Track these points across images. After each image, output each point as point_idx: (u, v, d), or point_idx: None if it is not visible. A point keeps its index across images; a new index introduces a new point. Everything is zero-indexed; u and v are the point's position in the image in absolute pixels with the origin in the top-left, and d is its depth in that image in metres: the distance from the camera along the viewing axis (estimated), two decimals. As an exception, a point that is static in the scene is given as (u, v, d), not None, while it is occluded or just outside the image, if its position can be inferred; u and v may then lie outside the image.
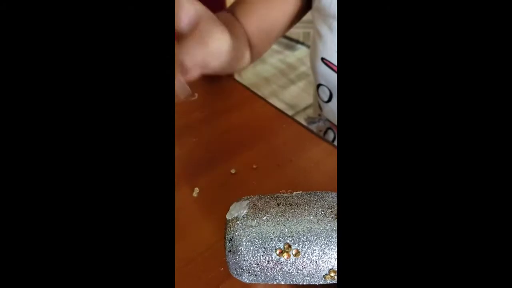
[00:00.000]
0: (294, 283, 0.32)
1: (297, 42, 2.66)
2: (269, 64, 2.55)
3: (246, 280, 0.33)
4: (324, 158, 0.52)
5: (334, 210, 0.32)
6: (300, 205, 0.32)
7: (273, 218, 0.32)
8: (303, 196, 0.34)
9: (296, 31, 2.48)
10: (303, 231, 0.31)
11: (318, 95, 0.68)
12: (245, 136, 0.56)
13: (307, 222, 0.31)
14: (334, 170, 0.51)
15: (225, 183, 0.49)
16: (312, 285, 0.34)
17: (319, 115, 0.81)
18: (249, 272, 0.32)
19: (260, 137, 0.55)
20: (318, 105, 0.73)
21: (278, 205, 0.33)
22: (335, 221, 0.31)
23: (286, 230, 0.31)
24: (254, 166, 0.50)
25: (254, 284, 0.37)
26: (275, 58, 2.58)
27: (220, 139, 0.56)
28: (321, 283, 0.32)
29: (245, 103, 0.64)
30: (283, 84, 2.34)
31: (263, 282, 0.33)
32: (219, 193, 0.47)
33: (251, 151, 0.53)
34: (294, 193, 0.35)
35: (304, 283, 0.32)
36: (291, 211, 0.32)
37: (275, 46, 2.60)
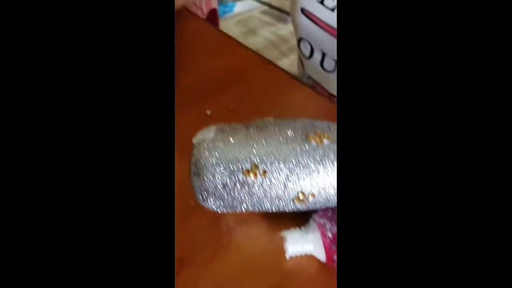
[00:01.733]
0: (263, 209, 0.31)
1: (290, 14, 2.58)
2: (261, 36, 2.48)
3: (213, 206, 0.32)
4: (304, 102, 0.50)
5: (305, 132, 0.30)
6: (270, 128, 0.31)
7: (241, 140, 0.30)
8: (274, 121, 0.32)
9: (289, 3, 2.40)
10: (271, 151, 0.29)
11: (300, 50, 0.65)
12: (222, 79, 0.54)
13: (276, 143, 0.29)
14: (315, 113, 0.49)
15: (200, 124, 0.47)
16: (283, 213, 0.33)
17: (302, 73, 0.79)
18: (215, 196, 0.30)
19: (238, 80, 0.53)
20: (300, 62, 0.70)
21: (248, 128, 0.31)
22: (305, 143, 0.29)
23: (254, 151, 0.29)
24: (231, 108, 0.48)
25: (223, 215, 0.36)
26: (267, 31, 2.51)
27: (196, 81, 0.54)
28: (290, 208, 0.31)
29: (224, 48, 0.61)
30: (275, 57, 2.28)
31: (231, 210, 0.32)
32: (194, 134, 0.46)
33: (228, 93, 0.51)
34: (266, 119, 0.33)
35: (273, 209, 0.31)
36: (260, 133, 0.30)
37: (267, 18, 2.53)
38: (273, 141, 0.29)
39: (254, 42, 2.47)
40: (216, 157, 0.30)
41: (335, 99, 0.57)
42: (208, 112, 0.48)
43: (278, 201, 0.30)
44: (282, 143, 0.29)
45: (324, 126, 0.31)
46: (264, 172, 0.29)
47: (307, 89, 0.52)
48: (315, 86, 0.68)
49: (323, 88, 0.64)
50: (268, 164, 0.29)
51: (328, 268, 0.31)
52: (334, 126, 0.31)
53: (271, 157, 0.29)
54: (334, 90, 0.62)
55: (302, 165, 0.28)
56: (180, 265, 0.32)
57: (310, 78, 0.69)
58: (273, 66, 0.56)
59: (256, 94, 0.51)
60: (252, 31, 2.50)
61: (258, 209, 0.31)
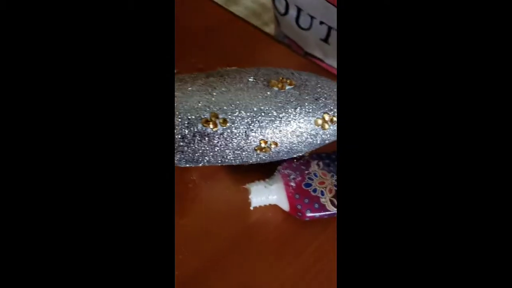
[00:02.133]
0: (226, 161, 0.30)
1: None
2: (242, 5, 2.39)
3: (175, 161, 0.31)
4: (278, 60, 0.48)
5: (268, 78, 0.29)
6: (232, 75, 0.29)
7: (200, 88, 0.29)
8: (237, 69, 0.30)
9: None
10: (231, 99, 0.28)
11: (275, 7, 0.62)
12: (191, 37, 0.51)
13: (236, 90, 0.28)
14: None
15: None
16: (248, 167, 0.33)
17: (277, 31, 0.76)
18: (175, 149, 0.29)
19: (207, 37, 0.51)
20: (276, 20, 0.68)
21: (208, 77, 0.30)
22: (268, 90, 0.28)
23: (213, 99, 0.28)
24: (200, 66, 0.46)
25: (188, 169, 0.35)
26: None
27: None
28: (254, 159, 0.30)
29: (194, 6, 0.58)
30: (257, 26, 2.22)
31: (194, 164, 0.31)
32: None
33: (197, 52, 0.49)
34: (230, 68, 0.31)
35: (237, 161, 0.30)
36: (220, 81, 0.29)
37: (248, -14, 2.43)
38: (233, 88, 0.28)
39: (235, 11, 2.38)
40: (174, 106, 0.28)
41: (311, 58, 0.55)
42: (175, 71, 0.45)
43: (241, 152, 0.29)
44: (242, 89, 0.28)
45: (287, 72, 0.29)
46: (224, 121, 0.28)
47: (281, 46, 0.50)
48: (291, 45, 0.66)
49: (299, 47, 0.62)
50: (229, 113, 0.28)
51: (292, 217, 0.31)
52: (298, 73, 0.30)
53: (231, 105, 0.28)
54: (309, 49, 0.60)
55: (264, 113, 0.27)
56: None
57: (286, 37, 0.67)
58: (246, 24, 0.54)
59: (227, 52, 0.49)
60: (233, 1, 2.41)
61: (221, 161, 0.30)
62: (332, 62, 0.54)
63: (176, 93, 0.28)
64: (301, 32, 0.58)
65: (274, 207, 0.32)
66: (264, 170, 0.34)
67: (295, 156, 0.31)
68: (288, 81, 0.28)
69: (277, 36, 0.68)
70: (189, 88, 0.28)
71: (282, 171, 0.31)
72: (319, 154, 0.33)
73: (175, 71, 0.45)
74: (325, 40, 0.49)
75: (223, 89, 0.28)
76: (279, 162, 0.33)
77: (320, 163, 0.32)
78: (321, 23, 0.47)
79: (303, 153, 0.31)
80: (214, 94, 0.28)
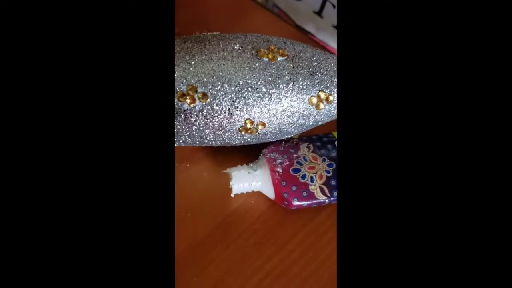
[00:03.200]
0: (206, 142, 0.27)
1: None
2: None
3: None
4: (264, 27, 0.43)
5: (256, 47, 0.24)
6: (213, 41, 0.25)
7: (176, 55, 0.24)
8: (219, 35, 0.26)
9: None
10: (213, 70, 0.24)
11: None
12: None
13: (219, 60, 0.24)
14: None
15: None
16: (230, 148, 0.29)
17: (266, 0, 0.70)
18: (145, 126, 0.25)
19: (187, 1, 0.45)
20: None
21: (185, 42, 0.25)
22: (257, 60, 0.24)
23: (191, 69, 0.24)
24: (177, 30, 0.40)
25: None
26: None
27: None
28: (237, 141, 0.26)
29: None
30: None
31: (168, 144, 0.27)
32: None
33: (175, 15, 0.43)
34: (210, 33, 0.27)
35: (218, 142, 0.26)
36: (200, 47, 0.24)
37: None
38: (216, 57, 0.24)
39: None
40: (143, 75, 0.24)
41: (301, 31, 0.51)
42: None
43: (223, 133, 0.25)
44: (226, 59, 0.24)
45: (279, 41, 0.25)
46: (204, 95, 0.23)
47: (268, 13, 0.45)
48: (281, 16, 0.61)
49: (290, 19, 0.58)
50: (209, 86, 0.23)
51: (277, 205, 0.28)
52: (291, 42, 0.26)
53: (212, 76, 0.23)
54: (301, 22, 0.55)
55: (251, 87, 0.24)
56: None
57: (275, 6, 0.62)
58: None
59: (208, 17, 0.43)
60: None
61: (200, 142, 0.27)
62: (323, 37, 0.50)
63: (146, 60, 0.24)
64: (293, 2, 0.53)
65: (257, 194, 0.29)
66: (247, 153, 0.31)
67: (283, 138, 0.28)
68: (280, 51, 0.24)
69: (266, 4, 0.63)
70: (162, 54, 0.24)
71: (268, 154, 0.28)
72: (309, 136, 0.30)
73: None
74: (319, 13, 0.44)
75: (203, 57, 0.24)
76: (265, 144, 0.29)
77: (311, 145, 0.29)
78: (316, -8, 0.43)
79: (292, 135, 0.28)
80: (192, 63, 0.23)
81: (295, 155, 0.28)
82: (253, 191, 0.28)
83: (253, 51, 0.24)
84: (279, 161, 0.27)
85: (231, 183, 0.27)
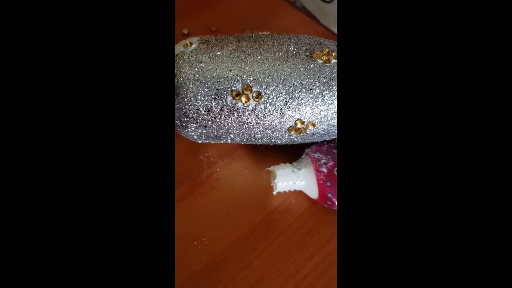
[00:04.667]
0: (252, 140, 0.27)
1: None
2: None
3: (194, 136, 0.27)
4: (297, 27, 0.44)
5: (310, 49, 0.25)
6: (268, 41, 0.25)
7: (231, 53, 0.24)
8: (272, 35, 0.26)
9: None
10: (268, 69, 0.24)
11: None
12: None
13: (275, 60, 0.24)
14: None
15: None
16: (271, 147, 0.30)
17: (293, 2, 0.70)
18: (197, 122, 0.25)
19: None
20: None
21: (239, 41, 0.25)
22: (310, 61, 0.24)
23: (247, 68, 0.24)
24: (213, 29, 0.41)
25: (203, 145, 0.32)
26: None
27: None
28: (284, 140, 0.27)
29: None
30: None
31: (215, 140, 0.28)
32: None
33: (209, 12, 0.43)
34: (261, 32, 0.27)
35: (264, 141, 0.27)
36: (255, 46, 0.25)
37: None
38: (271, 57, 0.24)
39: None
40: (199, 73, 0.24)
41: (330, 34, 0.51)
42: (185, 31, 0.40)
43: (272, 132, 0.26)
44: (282, 59, 0.24)
45: (331, 44, 0.26)
46: (259, 95, 0.24)
47: (300, 13, 0.45)
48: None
49: (317, 21, 0.58)
50: (264, 85, 0.24)
51: (316, 205, 0.29)
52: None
53: (267, 76, 0.24)
54: (330, 25, 0.55)
55: (305, 88, 0.24)
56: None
57: (303, 7, 0.62)
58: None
59: (241, 15, 0.44)
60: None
61: (246, 140, 0.27)
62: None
63: (202, 58, 0.24)
64: (323, 5, 0.53)
65: (298, 193, 0.30)
66: (288, 152, 0.31)
67: (327, 139, 0.28)
68: (333, 54, 0.24)
69: (294, 4, 0.63)
70: (218, 53, 0.24)
71: (312, 154, 0.28)
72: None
73: (185, 32, 0.40)
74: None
75: (258, 57, 0.24)
76: (306, 145, 0.30)
77: (352, 148, 0.29)
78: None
79: (336, 137, 0.28)
80: (248, 62, 0.24)
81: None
82: (294, 190, 0.29)
83: (307, 53, 0.24)
84: (323, 161, 0.28)
85: (275, 181, 0.28)
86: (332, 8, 0.51)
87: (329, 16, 0.54)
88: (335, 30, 0.49)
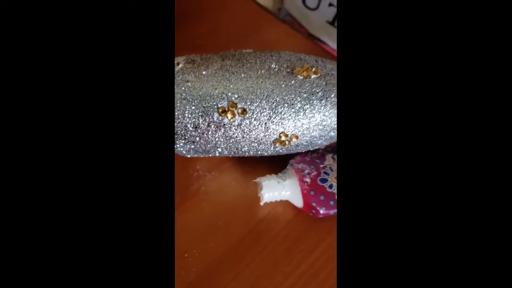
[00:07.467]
0: (239, 153, 0.28)
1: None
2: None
3: (183, 151, 0.28)
4: (281, 40, 0.45)
5: (291, 65, 0.26)
6: (250, 59, 0.26)
7: (216, 72, 0.26)
8: (254, 53, 0.28)
9: None
10: (252, 87, 0.25)
11: None
12: (187, 10, 0.46)
13: (258, 77, 0.25)
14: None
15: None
16: (257, 159, 0.31)
17: (279, 9, 0.72)
18: (185, 139, 0.26)
19: (207, 11, 0.46)
20: (277, -5, 0.63)
21: (223, 59, 0.27)
22: (292, 78, 0.26)
23: (232, 86, 0.25)
24: (198, 43, 0.42)
25: (191, 159, 0.32)
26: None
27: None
28: (270, 152, 0.28)
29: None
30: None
31: (203, 154, 0.29)
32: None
33: (194, 27, 0.44)
34: (244, 50, 0.28)
35: (251, 153, 0.28)
36: (238, 65, 0.26)
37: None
38: (254, 75, 0.25)
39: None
40: (186, 92, 0.25)
41: (315, 40, 0.53)
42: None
43: (258, 145, 0.27)
44: (264, 77, 0.25)
45: (311, 59, 0.27)
46: (244, 111, 0.25)
47: (284, 25, 0.47)
48: (294, 25, 0.63)
49: (303, 27, 0.59)
50: (248, 102, 0.25)
51: (304, 214, 0.30)
52: (322, 61, 0.28)
53: (251, 93, 0.25)
54: (314, 31, 0.57)
55: (287, 103, 0.25)
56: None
57: (288, 14, 0.63)
58: (246, -1, 0.49)
59: (226, 29, 0.45)
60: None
61: (234, 153, 0.28)
62: (336, 46, 0.52)
63: (188, 77, 0.25)
64: (307, 11, 0.55)
65: (284, 202, 0.31)
66: (274, 163, 0.33)
67: (310, 149, 0.30)
68: (313, 69, 0.26)
69: (277, 14, 0.65)
70: (204, 72, 0.25)
71: (296, 165, 0.30)
72: (334, 147, 0.32)
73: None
74: (332, 23, 0.46)
75: (242, 75, 0.25)
76: (292, 155, 0.31)
77: (335, 156, 0.31)
78: (330, 4, 0.45)
79: (320, 147, 0.29)
80: (233, 80, 0.25)
81: (321, 165, 0.30)
82: (281, 200, 0.30)
83: (288, 69, 0.26)
84: (307, 171, 0.29)
85: (262, 192, 0.29)
86: (316, 14, 0.53)
87: (313, 24, 0.56)
88: (319, 36, 0.51)
